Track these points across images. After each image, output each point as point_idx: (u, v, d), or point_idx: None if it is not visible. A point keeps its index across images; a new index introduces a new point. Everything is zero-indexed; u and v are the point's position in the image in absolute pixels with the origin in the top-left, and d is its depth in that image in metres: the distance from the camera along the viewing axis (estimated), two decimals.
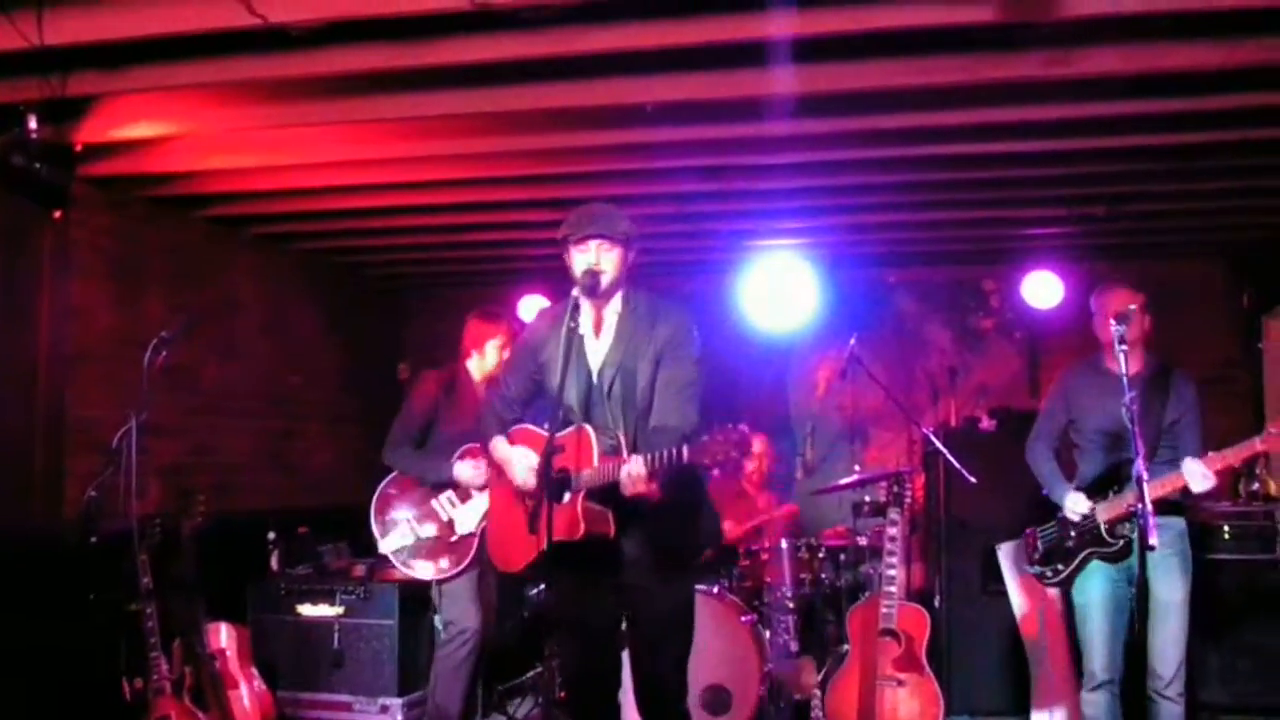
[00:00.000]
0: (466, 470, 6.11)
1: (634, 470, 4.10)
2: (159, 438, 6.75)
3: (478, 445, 5.80)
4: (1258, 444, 4.92)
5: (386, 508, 6.34)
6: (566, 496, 4.31)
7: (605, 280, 4.44)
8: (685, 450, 3.99)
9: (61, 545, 6.24)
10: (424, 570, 6.20)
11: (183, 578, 6.41)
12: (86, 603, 6.12)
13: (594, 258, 4.43)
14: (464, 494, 6.22)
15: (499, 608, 6.55)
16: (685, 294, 9.48)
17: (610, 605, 4.58)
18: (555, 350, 4.45)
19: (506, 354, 5.97)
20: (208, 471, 7.88)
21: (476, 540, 6.10)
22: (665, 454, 4.04)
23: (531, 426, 4.65)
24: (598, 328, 4.57)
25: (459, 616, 6.19)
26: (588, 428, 4.37)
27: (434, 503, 6.26)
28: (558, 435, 4.31)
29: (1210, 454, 4.99)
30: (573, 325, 4.36)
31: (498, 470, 4.73)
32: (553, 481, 4.23)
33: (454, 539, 6.18)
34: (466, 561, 6.13)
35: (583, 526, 4.25)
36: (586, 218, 4.51)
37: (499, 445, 4.67)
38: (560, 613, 4.73)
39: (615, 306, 4.57)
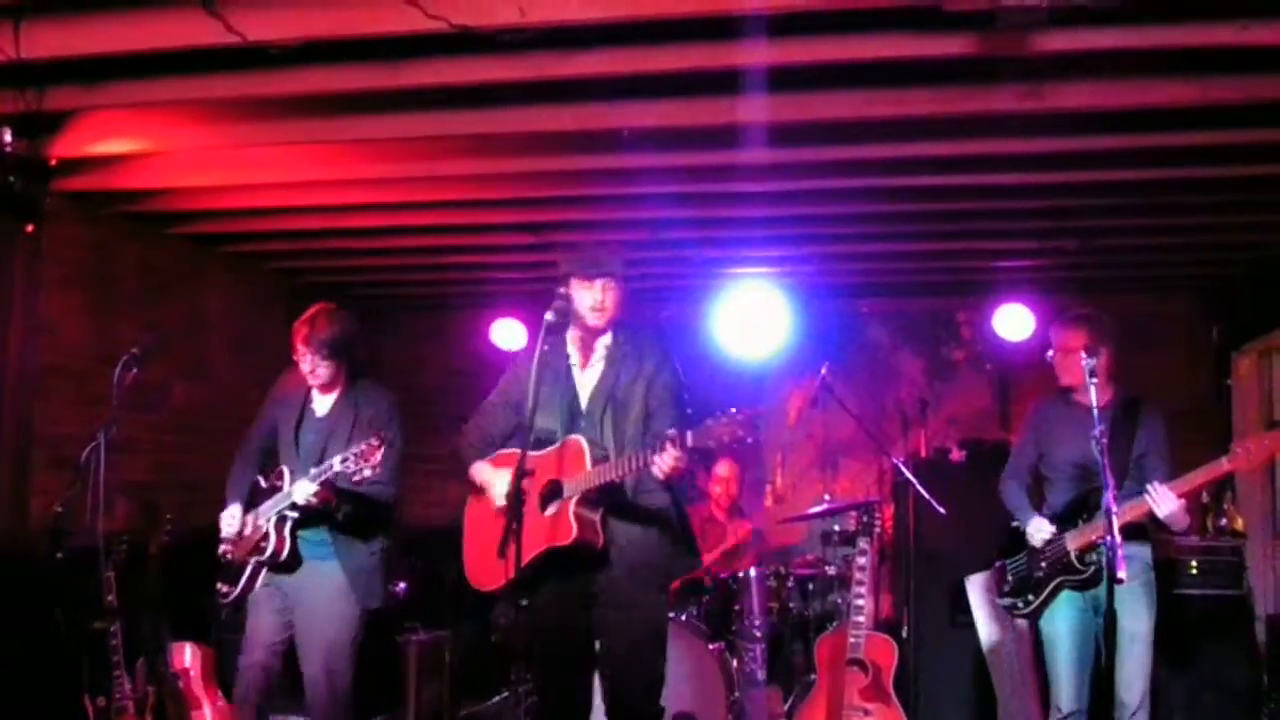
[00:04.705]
0: (225, 520, 5.38)
1: (668, 454, 4.08)
2: (127, 455, 6.71)
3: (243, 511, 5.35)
4: (1225, 464, 4.92)
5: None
6: (553, 507, 4.39)
7: (604, 318, 4.56)
8: (689, 435, 4.04)
9: (26, 560, 6.20)
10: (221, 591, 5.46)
11: (148, 596, 6.37)
12: (50, 619, 6.07)
13: (599, 295, 4.53)
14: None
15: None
16: (658, 320, 9.48)
17: (583, 624, 4.60)
18: (541, 391, 4.51)
19: (300, 359, 5.28)
20: (175, 490, 7.81)
21: (249, 569, 5.28)
22: (684, 433, 4.06)
23: (514, 450, 4.59)
24: (586, 358, 4.66)
25: (243, 648, 5.42)
26: (579, 438, 4.45)
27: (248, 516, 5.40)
28: (540, 454, 4.47)
29: (1175, 480, 5.01)
30: (545, 348, 4.38)
31: (477, 492, 4.77)
32: (542, 494, 4.41)
33: (234, 562, 5.37)
34: (238, 590, 5.29)
35: (574, 531, 4.30)
36: (596, 257, 4.60)
37: (480, 468, 4.72)
38: (533, 631, 4.74)
39: (605, 339, 4.66)
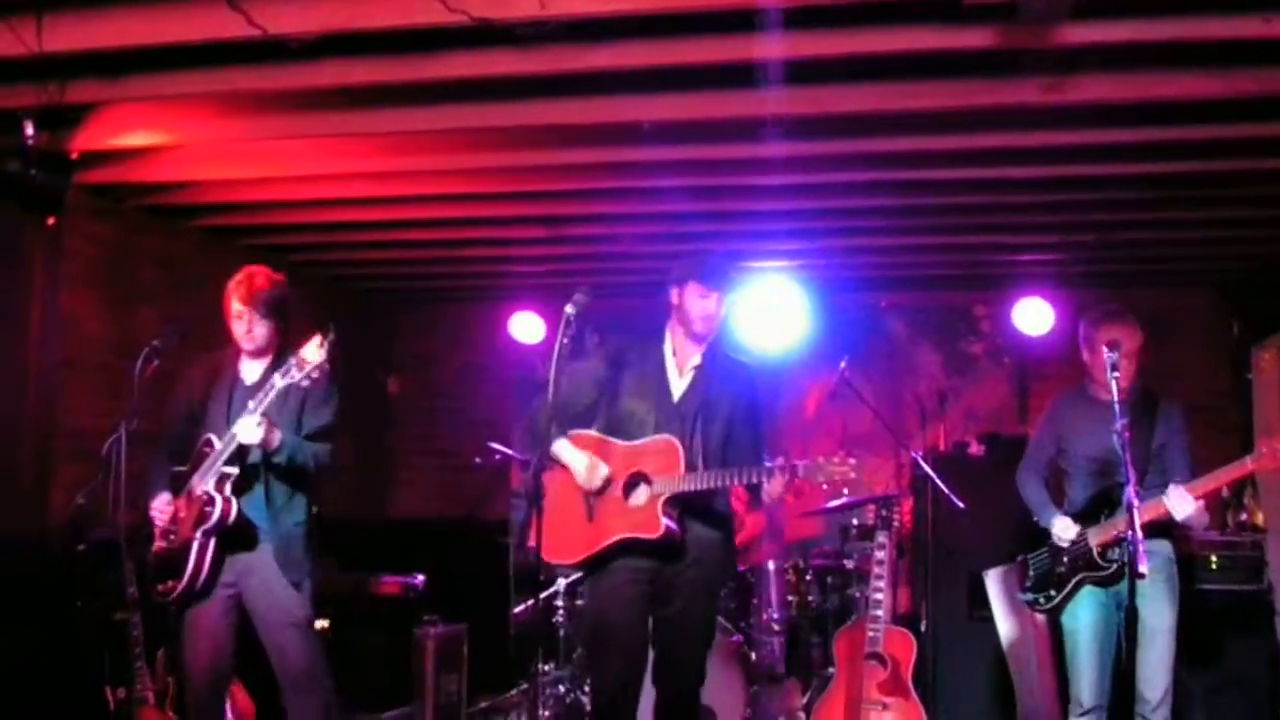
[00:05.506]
0: (156, 510, 5.05)
1: (779, 481, 4.56)
2: (148, 447, 6.73)
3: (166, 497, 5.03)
4: (1249, 463, 4.90)
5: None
6: (644, 497, 4.66)
7: (711, 327, 4.86)
8: (800, 467, 4.51)
9: (48, 553, 6.22)
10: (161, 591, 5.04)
11: None
12: (72, 611, 6.09)
13: (713, 307, 4.84)
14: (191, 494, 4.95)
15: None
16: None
17: (642, 613, 4.79)
18: (632, 375, 4.88)
19: (237, 318, 5.12)
20: None
21: (195, 547, 4.85)
22: (794, 466, 4.51)
23: (586, 432, 4.89)
24: (682, 360, 4.93)
25: (189, 642, 5.09)
26: (674, 440, 4.68)
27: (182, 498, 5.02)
28: (629, 444, 4.75)
29: (1194, 480, 4.99)
30: (565, 340, 4.47)
31: (557, 468, 4.91)
32: (626, 482, 4.71)
33: (175, 548, 4.96)
34: (186, 576, 4.87)
35: (662, 528, 4.56)
36: (723, 271, 4.90)
37: (563, 446, 4.84)
38: (596, 616, 4.91)
39: (702, 348, 4.93)
